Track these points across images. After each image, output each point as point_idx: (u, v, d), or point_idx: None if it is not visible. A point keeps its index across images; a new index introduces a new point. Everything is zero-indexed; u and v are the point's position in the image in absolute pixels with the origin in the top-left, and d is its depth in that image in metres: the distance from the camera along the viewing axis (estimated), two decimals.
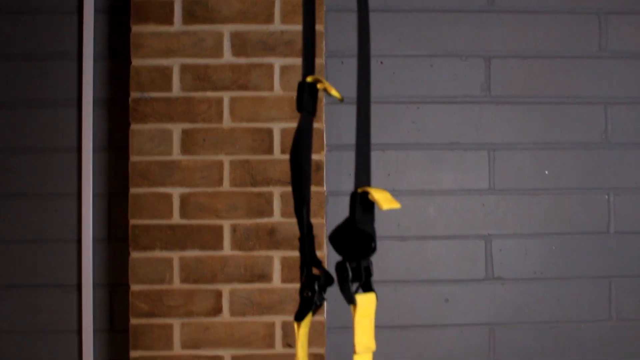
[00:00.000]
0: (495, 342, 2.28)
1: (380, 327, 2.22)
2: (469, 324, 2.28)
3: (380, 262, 2.25)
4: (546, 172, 2.30)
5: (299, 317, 1.10)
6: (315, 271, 1.11)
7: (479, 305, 2.28)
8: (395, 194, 2.25)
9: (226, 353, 2.05)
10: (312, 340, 2.03)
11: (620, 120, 2.33)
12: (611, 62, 2.34)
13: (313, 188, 2.01)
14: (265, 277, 2.04)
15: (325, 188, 2.13)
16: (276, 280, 2.04)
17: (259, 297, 2.04)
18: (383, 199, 1.00)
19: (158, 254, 2.04)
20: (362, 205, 0.99)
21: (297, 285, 2.00)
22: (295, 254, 2.03)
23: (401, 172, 2.27)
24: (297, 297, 2.00)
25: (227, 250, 2.04)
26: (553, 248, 2.30)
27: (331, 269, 1.05)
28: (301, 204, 1.10)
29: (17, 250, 2.22)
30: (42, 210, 2.22)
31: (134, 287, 2.04)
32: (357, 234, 1.02)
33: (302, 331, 1.11)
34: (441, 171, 2.28)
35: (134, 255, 2.04)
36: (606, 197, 2.32)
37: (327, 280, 1.10)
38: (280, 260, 2.04)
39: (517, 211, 2.29)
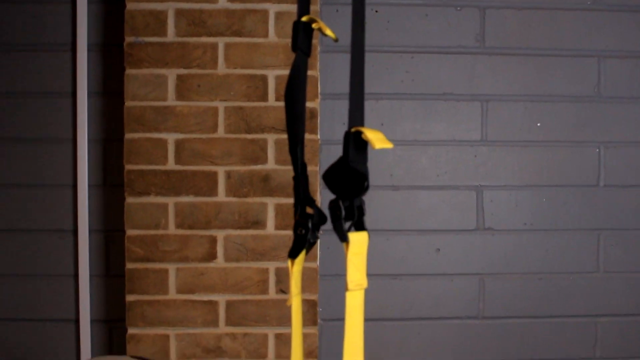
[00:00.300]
0: (485, 292, 2.33)
1: (372, 276, 2.26)
2: (460, 274, 2.32)
3: (373, 212, 2.28)
4: (538, 124, 2.32)
5: (293, 255, 1.13)
6: (309, 210, 1.13)
7: (469, 256, 2.32)
8: None
9: (220, 298, 2.09)
10: (305, 287, 2.06)
11: (612, 73, 2.34)
12: (605, 14, 2.34)
13: (307, 136, 2.03)
14: (259, 223, 2.07)
15: (319, 136, 2.15)
16: (270, 227, 2.07)
17: (253, 243, 2.07)
18: (376, 139, 1.02)
19: (153, 199, 2.06)
20: (355, 144, 1.01)
21: (291, 233, 2.04)
22: (289, 201, 2.06)
23: (394, 121, 2.29)
24: (290, 244, 2.04)
25: (221, 196, 2.06)
26: (543, 200, 2.33)
27: (325, 211, 1.07)
28: (295, 144, 1.12)
29: (13, 195, 2.24)
30: (38, 156, 2.23)
31: (130, 232, 2.07)
32: (350, 173, 1.05)
33: (296, 268, 1.14)
34: (434, 122, 2.30)
35: (129, 200, 2.06)
36: (597, 150, 2.34)
37: (320, 218, 1.13)
38: (274, 207, 2.07)
39: (508, 163, 2.32)
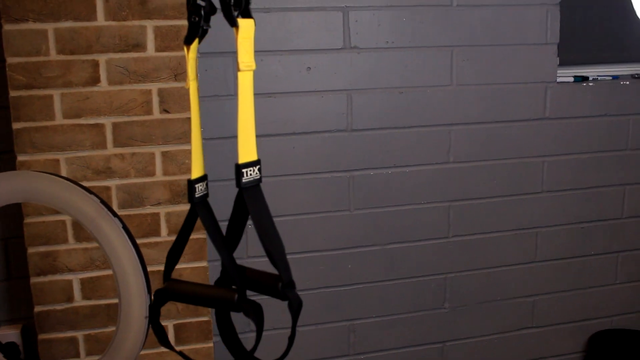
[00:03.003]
0: (352, 106, 2.59)
1: None
2: (329, 90, 2.56)
3: None
4: None
5: (188, 41, 1.30)
6: (200, 2, 1.30)
7: (337, 73, 2.56)
8: None
9: (107, 121, 2.23)
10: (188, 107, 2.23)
11: None
12: None
13: None
14: (139, 46, 2.19)
15: None
16: (150, 49, 2.20)
17: (135, 65, 2.20)
18: None
19: (32, 25, 2.12)
20: None
21: (171, 54, 2.18)
22: (169, 23, 2.18)
23: None
24: (171, 65, 2.19)
25: (101, 20, 2.16)
26: (403, 19, 2.57)
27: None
28: None
29: None
30: None
31: (10, 60, 2.14)
32: None
33: (191, 55, 1.33)
34: None
35: (7, 27, 2.12)
36: None
37: (211, 8, 1.30)
38: (153, 30, 2.19)
39: None
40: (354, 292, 2.76)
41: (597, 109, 2.90)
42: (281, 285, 1.31)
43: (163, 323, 2.33)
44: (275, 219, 2.57)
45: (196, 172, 1.37)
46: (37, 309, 2.30)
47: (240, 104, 1.27)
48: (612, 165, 2.98)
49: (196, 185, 1.36)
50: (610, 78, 2.94)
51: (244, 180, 1.29)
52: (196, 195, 1.36)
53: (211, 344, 2.47)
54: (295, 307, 1.30)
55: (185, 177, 2.30)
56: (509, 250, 2.92)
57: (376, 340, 2.83)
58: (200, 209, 1.38)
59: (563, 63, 2.84)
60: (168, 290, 1.42)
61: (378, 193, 2.70)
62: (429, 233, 2.79)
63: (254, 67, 1.28)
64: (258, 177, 1.32)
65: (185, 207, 2.31)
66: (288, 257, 2.57)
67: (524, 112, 2.79)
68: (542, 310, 3.06)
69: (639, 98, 2.96)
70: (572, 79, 2.88)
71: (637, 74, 2.98)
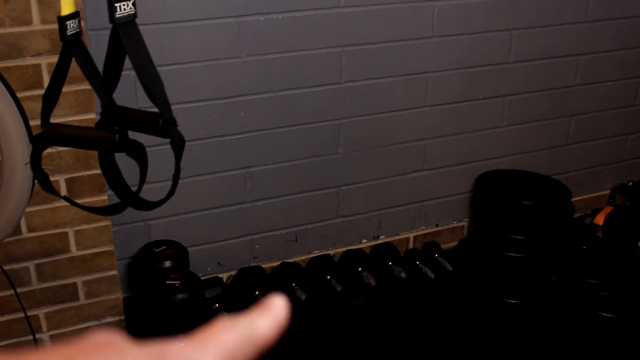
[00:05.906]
0: None
1: None
2: None
3: None
4: None
5: None
6: None
7: None
8: None
9: None
10: None
11: None
12: None
13: None
14: None
15: None
16: None
17: None
18: None
19: None
20: None
21: None
22: None
23: None
24: None
25: None
26: None
27: None
28: None
29: None
30: None
31: None
32: None
33: None
34: None
35: None
36: None
37: None
38: None
39: None
40: (248, 140, 2.78)
41: None
42: (162, 122, 1.29)
43: (54, 178, 2.32)
44: (161, 69, 2.52)
45: (66, 7, 1.30)
46: None
47: None
48: (500, 9, 3.03)
49: (67, 23, 1.30)
50: None
51: (117, 15, 1.24)
52: (68, 33, 1.30)
53: (105, 197, 2.47)
54: (178, 144, 1.30)
55: None
56: (400, 95, 2.98)
57: (272, 187, 2.90)
58: (73, 47, 1.32)
59: None
60: (48, 135, 1.38)
61: (269, 39, 2.66)
62: (321, 79, 2.80)
63: None
64: (133, 11, 1.27)
65: None
66: (178, 107, 2.55)
67: None
68: (433, 153, 3.18)
69: None
70: None
71: None
